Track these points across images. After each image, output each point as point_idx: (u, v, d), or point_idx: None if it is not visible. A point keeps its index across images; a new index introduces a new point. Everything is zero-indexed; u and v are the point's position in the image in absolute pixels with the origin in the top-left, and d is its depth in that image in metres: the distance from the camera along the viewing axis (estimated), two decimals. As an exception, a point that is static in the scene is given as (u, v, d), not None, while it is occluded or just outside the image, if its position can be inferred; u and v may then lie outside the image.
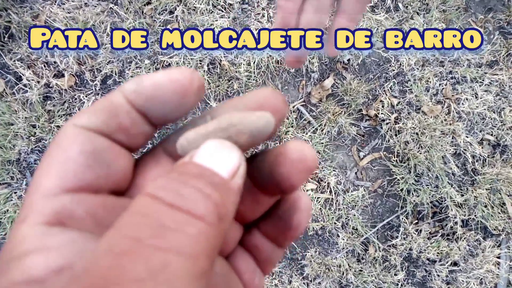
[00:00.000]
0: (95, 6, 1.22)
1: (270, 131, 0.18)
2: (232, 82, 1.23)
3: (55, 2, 1.23)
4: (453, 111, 1.23)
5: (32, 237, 0.15)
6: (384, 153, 1.25)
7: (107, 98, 0.18)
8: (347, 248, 1.20)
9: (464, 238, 1.20)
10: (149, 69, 1.21)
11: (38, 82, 1.19)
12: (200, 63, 1.23)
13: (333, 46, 0.39)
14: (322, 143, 1.22)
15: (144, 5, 1.24)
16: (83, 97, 1.20)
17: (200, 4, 1.24)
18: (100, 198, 0.17)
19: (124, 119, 0.17)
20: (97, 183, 0.17)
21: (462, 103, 1.24)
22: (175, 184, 0.15)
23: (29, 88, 1.19)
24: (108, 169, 0.17)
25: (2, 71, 1.22)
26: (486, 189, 1.21)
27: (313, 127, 1.24)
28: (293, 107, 1.24)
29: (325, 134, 1.23)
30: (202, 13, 1.24)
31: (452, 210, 1.20)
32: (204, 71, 1.22)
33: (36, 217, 0.15)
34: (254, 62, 1.23)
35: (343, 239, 1.20)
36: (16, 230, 0.15)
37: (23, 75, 1.19)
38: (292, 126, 1.23)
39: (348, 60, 1.27)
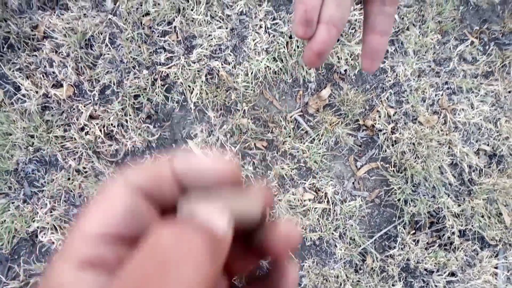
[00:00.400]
0: (94, 17, 1.23)
1: (257, 216, 0.21)
2: (230, 93, 1.24)
3: (54, 12, 1.24)
4: (449, 122, 1.24)
5: (68, 277, 0.18)
6: (381, 163, 1.25)
7: (157, 167, 0.21)
8: (344, 258, 1.20)
9: (462, 249, 1.20)
10: (147, 80, 1.22)
11: (37, 92, 1.20)
12: (198, 73, 1.23)
13: (369, 62, 0.39)
14: (320, 153, 1.22)
15: (143, 16, 1.25)
16: (81, 107, 1.20)
17: (198, 15, 1.25)
18: (128, 247, 0.20)
19: (166, 190, 0.21)
20: (130, 236, 0.20)
21: (458, 114, 1.25)
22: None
23: (27, 98, 1.20)
24: (141, 227, 0.20)
25: (0, 81, 1.22)
26: (483, 199, 1.21)
27: (310, 137, 1.24)
28: (291, 117, 1.25)
29: (322, 144, 1.23)
30: (200, 24, 1.25)
31: (449, 220, 1.20)
32: (202, 81, 1.23)
33: (74, 257, 0.18)
34: (251, 73, 1.24)
35: (341, 250, 1.19)
36: (56, 267, 0.18)
37: (21, 85, 1.20)
38: (289, 136, 1.24)
39: (345, 70, 1.28)
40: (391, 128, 1.24)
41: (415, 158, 1.22)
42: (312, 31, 0.37)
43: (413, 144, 1.22)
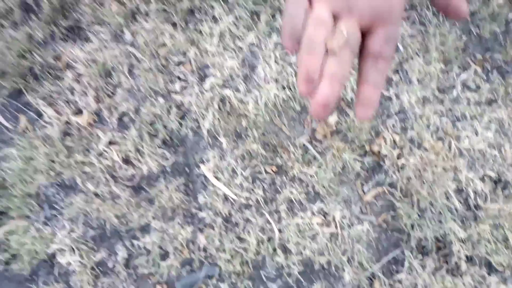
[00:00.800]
0: (113, 49, 1.31)
1: None
2: (241, 119, 1.30)
3: (76, 44, 1.32)
4: (454, 148, 1.27)
5: None
6: (388, 188, 1.28)
7: None
8: (352, 282, 1.22)
9: (469, 274, 1.22)
10: (163, 107, 1.28)
11: (59, 119, 1.27)
12: (211, 101, 1.29)
13: (363, 111, 0.41)
14: (327, 178, 1.26)
15: (159, 47, 1.32)
16: (100, 133, 1.26)
17: (211, 46, 1.32)
18: None
19: None
20: None
21: (463, 140, 1.28)
22: None
23: (50, 125, 1.26)
24: None
25: (24, 109, 1.29)
26: (489, 224, 1.23)
27: (318, 162, 1.28)
28: (299, 142, 1.29)
29: (330, 169, 1.27)
30: (213, 54, 1.32)
31: (456, 245, 1.22)
32: (214, 109, 1.29)
33: None
34: (262, 101, 1.29)
35: (349, 274, 1.22)
36: None
37: (44, 112, 1.27)
38: (298, 161, 1.28)
39: (351, 98, 1.33)
40: (397, 154, 1.28)
41: (421, 183, 1.25)
42: (315, 88, 0.40)
43: (419, 170, 1.25)
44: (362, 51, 0.43)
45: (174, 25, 1.33)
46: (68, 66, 1.30)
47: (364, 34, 0.41)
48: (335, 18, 0.40)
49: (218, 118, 1.29)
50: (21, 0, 1.32)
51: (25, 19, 1.32)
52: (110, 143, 1.26)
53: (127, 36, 1.32)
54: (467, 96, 1.33)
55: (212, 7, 1.34)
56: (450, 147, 1.28)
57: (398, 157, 1.28)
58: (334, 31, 0.40)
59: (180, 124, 1.30)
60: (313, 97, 0.42)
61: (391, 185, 1.28)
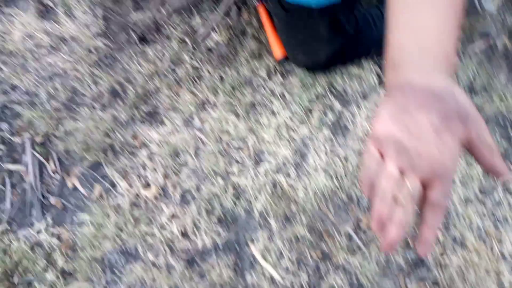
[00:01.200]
0: (183, 133, 1.50)
1: None
2: (290, 204, 1.41)
3: (152, 126, 1.53)
4: (496, 251, 1.31)
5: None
6: (430, 284, 1.31)
7: None
8: None
9: None
10: (221, 187, 1.42)
11: (129, 191, 1.43)
12: (264, 185, 1.42)
13: (422, 250, 0.53)
14: (371, 269, 1.32)
15: (223, 133, 1.50)
16: (164, 207, 1.41)
17: (268, 136, 1.48)
18: None
19: None
20: None
21: (505, 243, 1.32)
22: None
23: (121, 196, 1.43)
24: None
25: (101, 179, 1.47)
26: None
27: (362, 252, 1.35)
28: (344, 231, 1.37)
29: (373, 260, 1.33)
30: (269, 143, 1.48)
31: None
32: (267, 192, 1.41)
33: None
34: (311, 188, 1.41)
35: None
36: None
37: (118, 184, 1.44)
38: (342, 249, 1.35)
39: (395, 192, 1.42)
40: (440, 251, 1.33)
41: (464, 284, 1.28)
42: (385, 229, 0.51)
43: (462, 270, 1.29)
44: (423, 200, 0.55)
45: (237, 115, 1.52)
46: (143, 145, 1.50)
47: (424, 187, 0.53)
48: (402, 172, 0.53)
49: (270, 201, 1.41)
50: (111, 86, 1.57)
51: (112, 103, 1.55)
52: (172, 216, 1.40)
53: (196, 122, 1.51)
54: (509, 199, 1.39)
55: (272, 102, 1.53)
56: (492, 250, 1.32)
57: (441, 254, 1.32)
58: (401, 184, 0.54)
59: (235, 203, 1.42)
60: (382, 234, 0.54)
61: (434, 282, 1.31)
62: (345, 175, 1.43)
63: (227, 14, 1.60)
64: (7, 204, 1.47)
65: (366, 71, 1.54)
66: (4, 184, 1.50)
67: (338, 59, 1.42)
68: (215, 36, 1.59)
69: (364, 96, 1.53)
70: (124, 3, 1.76)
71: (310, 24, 1.17)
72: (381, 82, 1.54)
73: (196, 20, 1.62)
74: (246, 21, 1.61)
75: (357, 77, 1.54)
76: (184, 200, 1.43)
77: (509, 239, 1.33)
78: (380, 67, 1.55)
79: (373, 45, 1.40)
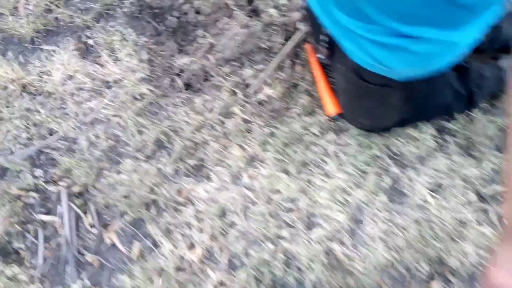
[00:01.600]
0: (232, 190, 1.42)
1: None
2: (346, 275, 1.32)
3: (198, 181, 1.45)
4: None
5: None
6: None
7: None
8: None
9: None
10: (270, 252, 1.33)
11: (173, 252, 1.34)
12: (317, 252, 1.34)
13: None
14: None
15: (273, 193, 1.42)
16: (210, 271, 1.31)
17: (321, 198, 1.40)
18: None
19: None
20: None
21: None
22: None
23: (164, 257, 1.33)
24: None
25: (142, 237, 1.38)
26: None
27: (422, 332, 1.25)
28: (403, 308, 1.28)
29: None
30: (322, 206, 1.40)
31: None
32: (320, 260, 1.33)
33: None
34: (367, 258, 1.32)
35: None
36: None
37: (161, 244, 1.35)
38: (401, 328, 1.26)
39: (456, 267, 1.34)
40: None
41: None
42: None
43: None
44: None
45: (288, 173, 1.44)
46: (189, 201, 1.41)
47: None
48: None
49: (323, 271, 1.32)
50: (156, 136, 1.49)
51: (156, 154, 1.47)
52: (220, 284, 1.30)
53: (245, 179, 1.44)
54: None
55: (325, 162, 1.45)
56: None
57: None
58: None
59: (285, 271, 1.33)
60: None
61: None
62: (405, 246, 1.34)
63: (280, 67, 1.55)
64: (40, 260, 1.37)
65: (424, 133, 1.48)
66: (36, 237, 1.41)
67: (401, 124, 1.36)
68: (267, 89, 1.53)
69: (421, 160, 1.46)
70: (166, 44, 1.70)
71: (385, 93, 1.12)
72: (438, 146, 1.47)
73: (247, 72, 1.56)
74: (299, 75, 1.56)
75: (414, 139, 1.48)
76: (232, 265, 1.34)
77: None
78: (439, 129, 1.49)
79: (439, 112, 1.34)
